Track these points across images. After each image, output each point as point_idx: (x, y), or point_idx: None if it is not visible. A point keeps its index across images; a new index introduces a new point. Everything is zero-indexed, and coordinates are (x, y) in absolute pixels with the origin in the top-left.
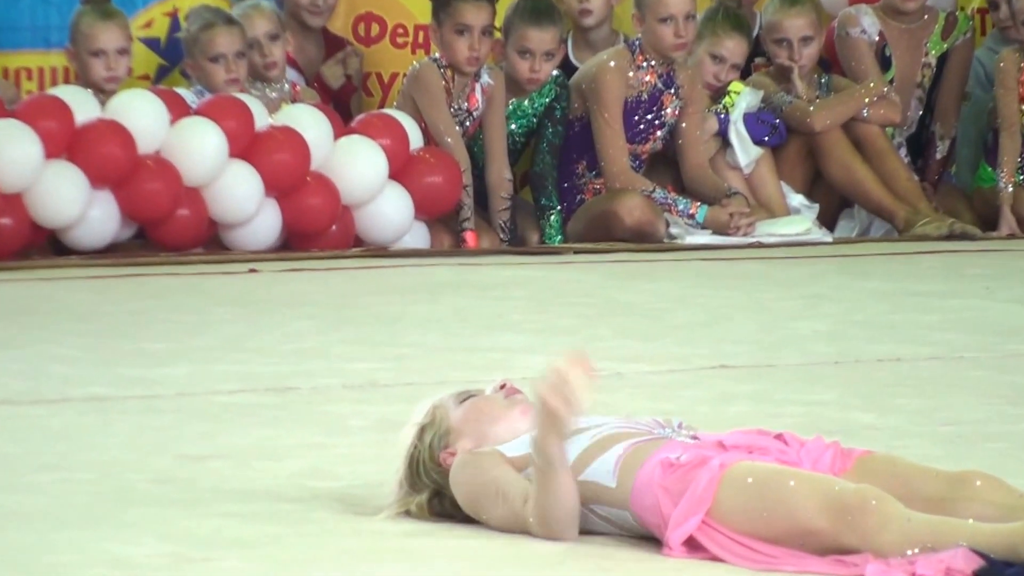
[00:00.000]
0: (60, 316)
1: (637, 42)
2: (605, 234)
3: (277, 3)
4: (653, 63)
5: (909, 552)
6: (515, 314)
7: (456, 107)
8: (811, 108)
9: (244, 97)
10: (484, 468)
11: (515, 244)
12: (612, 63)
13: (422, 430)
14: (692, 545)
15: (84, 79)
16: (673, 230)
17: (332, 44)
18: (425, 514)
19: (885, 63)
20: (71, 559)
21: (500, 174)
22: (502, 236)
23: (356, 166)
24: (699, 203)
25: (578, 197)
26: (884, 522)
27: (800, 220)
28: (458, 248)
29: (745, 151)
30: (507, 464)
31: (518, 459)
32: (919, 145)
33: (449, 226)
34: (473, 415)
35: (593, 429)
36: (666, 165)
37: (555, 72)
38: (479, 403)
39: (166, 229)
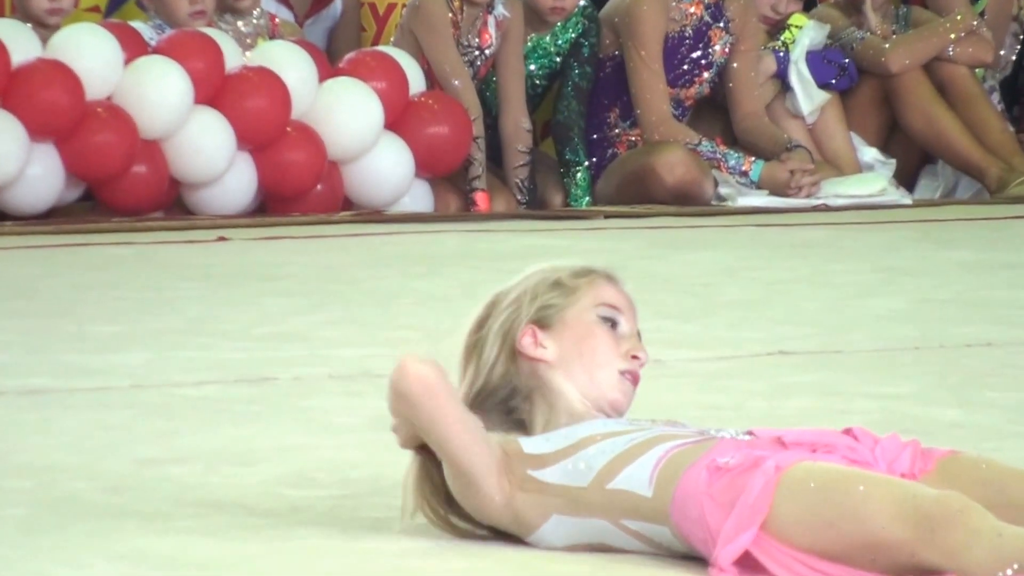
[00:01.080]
0: None
1: None
2: (641, 195)
3: None
4: None
5: (1000, 573)
6: None
7: (465, 44)
8: (886, 46)
9: (212, 32)
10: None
11: (535, 207)
12: None
13: (551, 285)
14: (745, 564)
15: (22, 11)
16: (722, 190)
17: None
18: (436, 523)
19: None
20: None
21: (517, 123)
22: (519, 197)
23: (345, 114)
24: (753, 158)
25: (609, 151)
26: (971, 536)
27: (873, 179)
28: (467, 212)
29: (808, 96)
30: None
31: (535, 457)
32: (1015, 90)
33: (456, 186)
34: (587, 343)
35: (633, 433)
36: (714, 113)
37: (583, 2)
38: (607, 342)
39: (119, 189)
